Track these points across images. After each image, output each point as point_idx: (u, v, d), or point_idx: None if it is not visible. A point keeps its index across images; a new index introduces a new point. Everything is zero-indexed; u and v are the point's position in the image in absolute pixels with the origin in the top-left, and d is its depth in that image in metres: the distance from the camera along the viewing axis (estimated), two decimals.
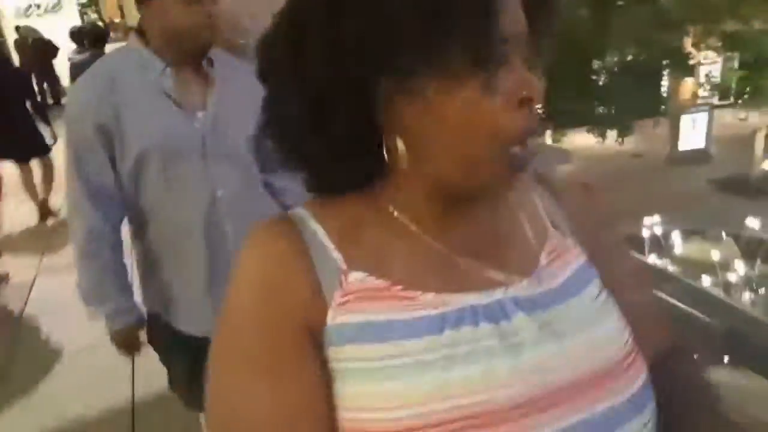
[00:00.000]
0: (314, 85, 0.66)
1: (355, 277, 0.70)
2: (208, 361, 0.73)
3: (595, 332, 0.76)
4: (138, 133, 1.60)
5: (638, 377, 0.76)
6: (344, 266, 0.70)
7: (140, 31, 1.67)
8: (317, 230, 0.73)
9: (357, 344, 0.67)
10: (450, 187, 0.73)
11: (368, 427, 0.66)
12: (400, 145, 0.68)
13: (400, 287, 0.70)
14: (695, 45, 12.47)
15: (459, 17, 0.64)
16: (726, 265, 7.68)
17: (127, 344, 1.83)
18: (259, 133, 0.75)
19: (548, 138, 12.36)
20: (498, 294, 0.72)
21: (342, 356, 0.68)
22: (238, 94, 1.61)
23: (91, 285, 1.76)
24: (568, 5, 10.98)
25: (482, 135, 0.67)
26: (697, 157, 13.58)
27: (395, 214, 0.74)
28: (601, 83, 11.90)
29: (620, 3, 11.21)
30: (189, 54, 1.66)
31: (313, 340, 0.69)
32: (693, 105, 13.50)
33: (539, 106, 0.67)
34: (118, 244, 1.78)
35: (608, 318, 0.78)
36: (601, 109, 11.38)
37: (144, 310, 1.91)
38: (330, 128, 0.67)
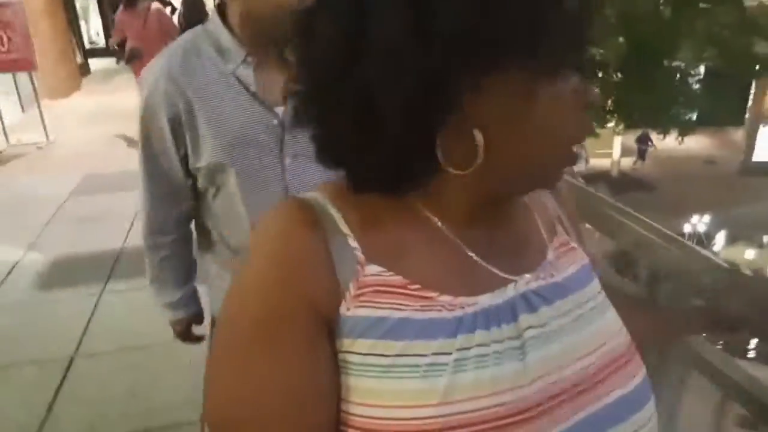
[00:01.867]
0: (385, 83, 0.61)
1: (372, 269, 0.66)
2: (213, 338, 0.70)
3: (598, 326, 0.74)
4: (212, 131, 1.44)
5: (639, 370, 0.74)
6: (362, 257, 0.66)
7: (222, 11, 1.46)
8: (336, 217, 0.68)
9: (369, 339, 0.64)
10: (510, 186, 0.70)
11: (374, 424, 0.63)
12: (479, 139, 0.64)
13: (417, 286, 0.66)
14: None
15: (566, 19, 0.63)
16: (764, 269, 7.72)
17: (182, 335, 1.80)
18: (299, 120, 0.71)
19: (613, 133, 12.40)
20: (509, 292, 0.70)
21: (353, 349, 0.64)
22: None
23: (152, 276, 1.71)
24: (648, 2, 10.96)
25: (562, 136, 0.67)
26: None
27: (422, 210, 0.70)
28: (677, 85, 11.81)
29: (703, 5, 11.08)
30: (272, 42, 1.42)
31: (326, 327, 0.65)
32: None
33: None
34: (180, 239, 1.67)
35: (608, 313, 0.77)
36: (674, 110, 11.34)
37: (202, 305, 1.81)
38: (386, 127, 0.63)
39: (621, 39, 11.02)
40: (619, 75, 11.43)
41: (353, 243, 0.67)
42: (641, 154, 14.00)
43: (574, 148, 0.69)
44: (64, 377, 2.54)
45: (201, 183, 1.53)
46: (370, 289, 0.65)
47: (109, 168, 5.67)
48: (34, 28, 9.45)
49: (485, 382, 0.64)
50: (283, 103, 1.45)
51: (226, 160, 1.46)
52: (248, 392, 0.65)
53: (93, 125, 7.20)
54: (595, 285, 0.78)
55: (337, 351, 0.65)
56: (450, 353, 0.63)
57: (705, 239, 8.00)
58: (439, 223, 0.70)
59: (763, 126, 13.52)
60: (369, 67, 0.60)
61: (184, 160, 1.49)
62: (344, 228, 0.67)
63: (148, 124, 1.47)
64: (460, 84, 0.61)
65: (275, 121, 1.47)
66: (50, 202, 4.88)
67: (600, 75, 10.90)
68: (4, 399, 2.55)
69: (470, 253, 0.70)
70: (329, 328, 0.65)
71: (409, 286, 0.66)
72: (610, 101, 11.07)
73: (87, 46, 13.49)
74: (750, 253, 6.92)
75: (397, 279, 0.66)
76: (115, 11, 7.84)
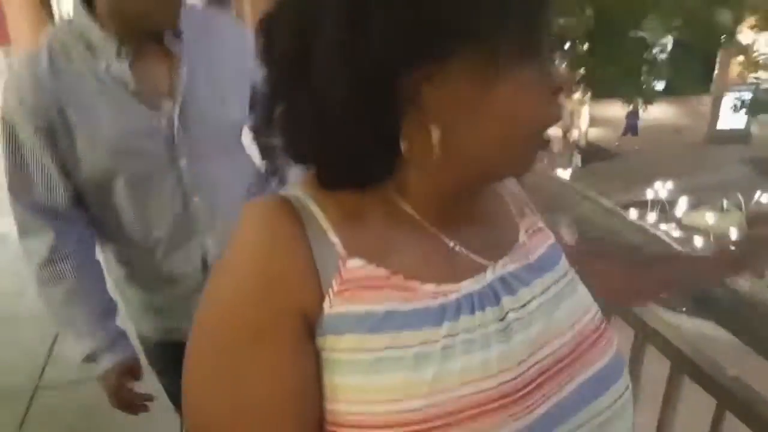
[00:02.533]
0: (331, 80, 0.61)
1: (354, 264, 0.66)
2: (190, 343, 0.67)
3: (572, 302, 0.75)
4: (90, 137, 1.26)
5: (612, 342, 0.75)
6: (343, 252, 0.66)
7: (87, 1, 1.27)
8: (316, 213, 0.67)
9: (356, 335, 0.63)
10: (478, 175, 0.69)
11: (364, 420, 0.63)
12: (435, 134, 0.63)
13: (400, 277, 0.66)
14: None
15: (519, 2, 0.61)
16: (724, 233, 8.04)
17: (119, 394, 1.40)
18: (264, 122, 0.70)
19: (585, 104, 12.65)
20: (488, 276, 0.70)
21: (339, 346, 0.64)
22: (217, 60, 1.38)
23: (60, 319, 1.38)
24: None
25: (526, 123, 0.64)
26: (736, 136, 13.61)
27: (399, 201, 0.70)
28: (644, 56, 12.03)
29: None
30: (148, 35, 1.29)
31: (308, 327, 0.64)
32: (738, 84, 13.36)
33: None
34: (87, 262, 1.39)
35: (579, 289, 0.78)
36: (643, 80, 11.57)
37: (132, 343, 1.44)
38: (346, 124, 0.63)
39: (588, 11, 11.22)
40: (587, 46, 11.65)
41: (333, 238, 0.66)
42: (633, 129, 14.14)
43: (544, 135, 0.68)
44: None
45: (86, 196, 1.33)
46: (353, 284, 0.65)
47: None
48: (6, 1, 9.38)
49: (473, 368, 0.64)
50: (169, 96, 1.28)
51: (111, 171, 1.27)
52: (236, 402, 0.63)
53: None
54: (564, 262, 0.78)
55: (320, 349, 0.64)
56: (437, 341, 0.63)
57: (668, 205, 8.25)
58: (416, 215, 0.69)
59: (727, 94, 13.78)
60: (317, 63, 0.60)
61: (65, 174, 1.28)
62: (324, 224, 0.66)
63: (16, 140, 1.25)
64: (413, 75, 0.60)
65: (163, 121, 1.29)
66: None
67: (568, 46, 11.18)
68: (8, 347, 2.88)
69: (448, 242, 0.70)
70: (312, 327, 0.64)
71: (392, 277, 0.66)
72: (578, 72, 11.30)
73: (57, 21, 13.41)
74: (711, 217, 7.20)
75: (380, 271, 0.66)
76: None
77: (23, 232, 1.34)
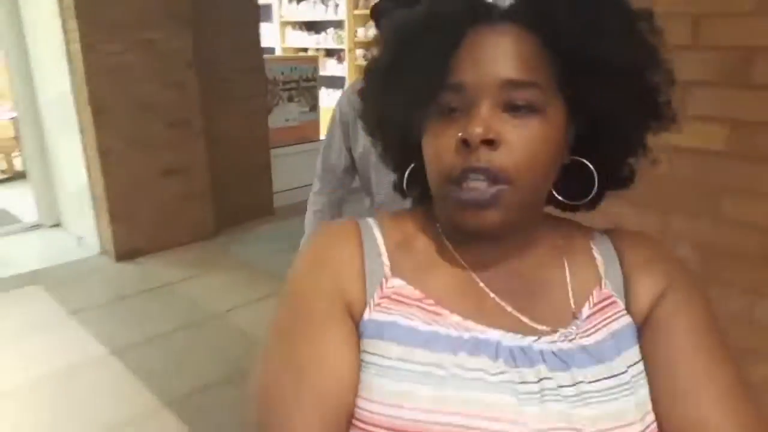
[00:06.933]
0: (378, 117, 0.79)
1: (395, 283, 0.70)
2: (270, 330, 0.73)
3: (611, 407, 0.66)
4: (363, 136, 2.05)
5: None
6: (389, 272, 0.71)
7: None
8: (378, 237, 0.74)
9: (377, 339, 0.67)
10: (447, 217, 0.74)
11: (369, 418, 0.65)
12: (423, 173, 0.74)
13: (431, 301, 0.69)
14: None
15: (414, 70, 0.68)
16: None
17: None
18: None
19: None
20: (527, 341, 0.68)
21: (364, 348, 0.68)
22: None
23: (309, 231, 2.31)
24: None
25: (433, 173, 0.70)
26: None
27: (442, 235, 0.76)
28: None
29: None
30: None
31: (355, 324, 0.70)
32: None
33: (484, 147, 0.65)
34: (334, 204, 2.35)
35: (633, 394, 0.67)
36: None
37: None
38: (389, 150, 0.81)
39: None
40: None
41: (385, 260, 0.73)
42: None
43: (459, 189, 0.67)
44: None
45: (357, 162, 2.25)
46: (390, 298, 0.71)
47: None
48: None
49: (481, 405, 0.63)
50: None
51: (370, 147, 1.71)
52: (293, 373, 0.68)
53: None
54: (631, 355, 0.71)
55: (361, 350, 0.69)
56: (448, 368, 0.65)
57: None
58: (452, 250, 0.75)
59: None
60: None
61: (349, 150, 2.24)
62: (381, 248, 0.75)
63: (329, 125, 2.28)
64: (419, 128, 0.72)
65: None
66: None
67: None
68: None
69: (481, 284, 0.74)
70: (357, 328, 0.70)
71: (424, 300, 0.71)
72: None
73: None
74: None
75: (416, 292, 0.71)
76: None
77: (315, 185, 2.33)
